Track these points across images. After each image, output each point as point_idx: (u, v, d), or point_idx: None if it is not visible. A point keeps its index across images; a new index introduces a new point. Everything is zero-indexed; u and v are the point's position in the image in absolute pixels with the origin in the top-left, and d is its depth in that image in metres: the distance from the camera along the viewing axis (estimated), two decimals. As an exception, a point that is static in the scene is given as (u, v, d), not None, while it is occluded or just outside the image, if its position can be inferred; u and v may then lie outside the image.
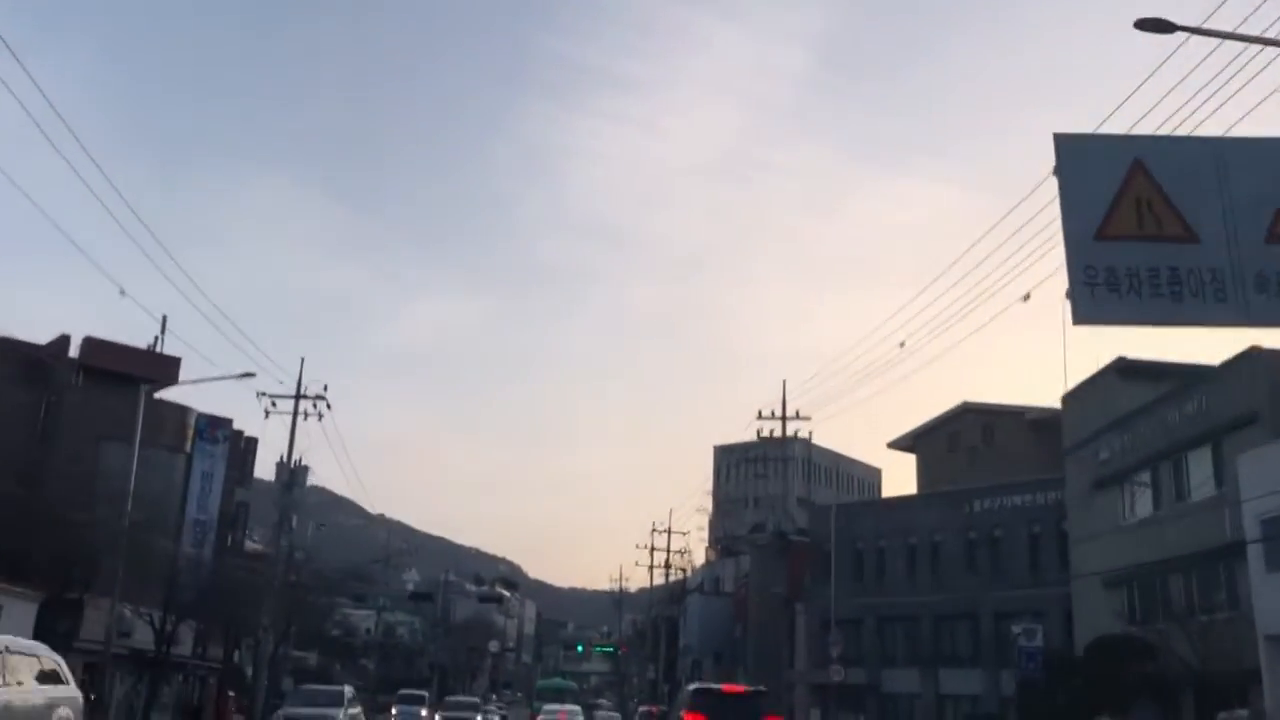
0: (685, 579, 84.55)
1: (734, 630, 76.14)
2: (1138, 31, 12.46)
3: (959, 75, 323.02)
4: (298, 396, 44.82)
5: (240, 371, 34.44)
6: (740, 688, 27.78)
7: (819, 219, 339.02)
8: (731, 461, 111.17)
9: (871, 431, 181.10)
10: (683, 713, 23.75)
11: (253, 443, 58.62)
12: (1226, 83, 13.40)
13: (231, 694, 40.39)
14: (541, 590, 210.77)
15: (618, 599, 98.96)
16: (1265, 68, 13.28)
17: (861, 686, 43.83)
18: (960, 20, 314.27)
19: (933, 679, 42.79)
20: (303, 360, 45.60)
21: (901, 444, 59.13)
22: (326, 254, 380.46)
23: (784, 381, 47.74)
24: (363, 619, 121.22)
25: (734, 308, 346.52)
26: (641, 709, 65.16)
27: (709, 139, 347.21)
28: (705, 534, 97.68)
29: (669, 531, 68.95)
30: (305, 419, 44.87)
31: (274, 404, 44.80)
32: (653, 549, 71.27)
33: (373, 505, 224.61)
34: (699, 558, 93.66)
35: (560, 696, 51.92)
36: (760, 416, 47.73)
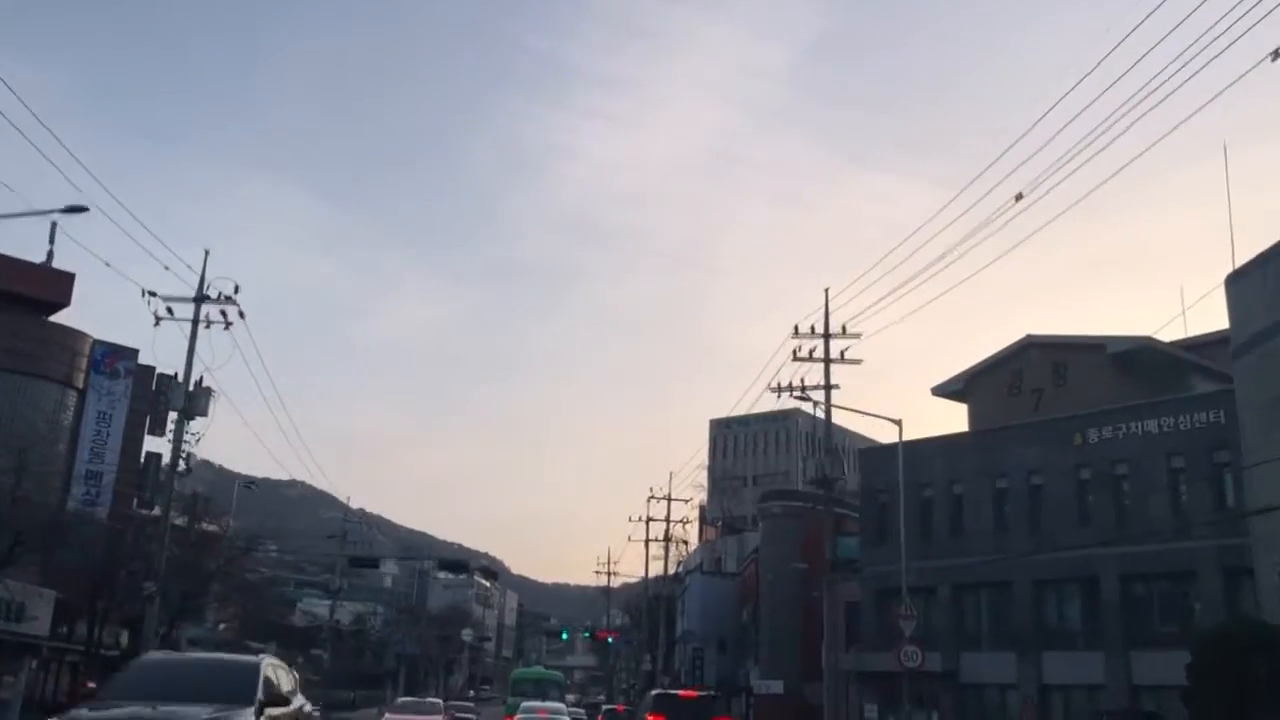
0: (681, 564, 73.16)
1: (741, 614, 64.78)
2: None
3: (942, 73, 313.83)
4: (199, 299, 33.04)
5: (66, 205, 22.48)
6: (694, 693, 31.09)
7: (802, 216, 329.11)
8: (729, 436, 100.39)
9: (903, 386, 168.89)
10: (646, 714, 26.83)
11: (168, 382, 46.83)
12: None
13: (92, 685, 28.73)
14: (525, 586, 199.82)
15: (605, 588, 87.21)
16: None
17: (933, 675, 32.47)
18: (943, 19, 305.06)
19: (1033, 665, 31.54)
20: (207, 253, 33.56)
21: (949, 389, 47.66)
22: (310, 251, 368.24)
23: (826, 290, 36.14)
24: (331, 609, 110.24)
25: (717, 304, 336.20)
26: (605, 707, 55.70)
27: (692, 136, 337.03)
28: (697, 512, 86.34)
29: (669, 499, 57.44)
30: (208, 327, 33.10)
31: (170, 310, 32.94)
32: (649, 520, 59.79)
33: (351, 499, 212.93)
34: (693, 537, 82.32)
35: (542, 690, 40.37)
36: (797, 334, 36.15)
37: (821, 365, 36.60)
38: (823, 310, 37.10)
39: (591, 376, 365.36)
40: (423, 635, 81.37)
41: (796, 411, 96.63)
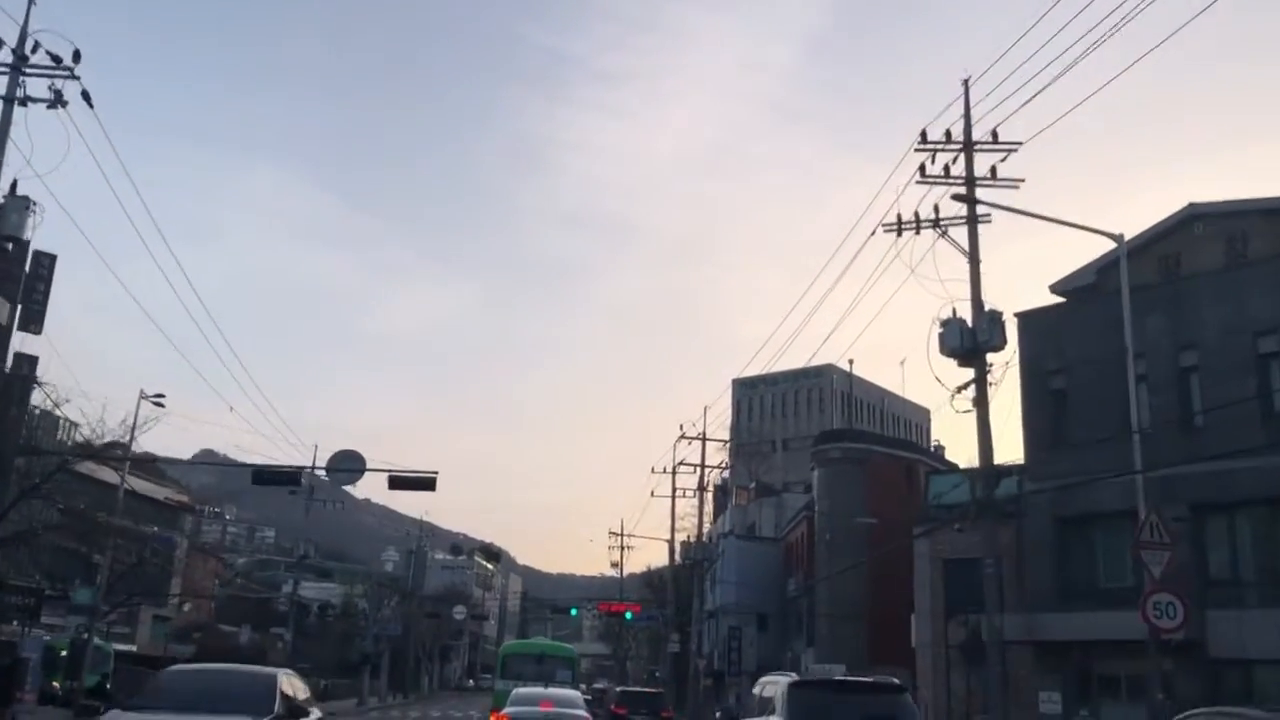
0: (705, 536, 60.07)
1: (786, 585, 51.88)
2: None
3: (948, 66, 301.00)
4: (16, 64, 20.40)
5: None
6: (652, 689, 36.91)
7: (807, 210, 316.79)
8: (753, 397, 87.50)
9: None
10: (611, 705, 31.69)
11: (47, 263, 33.92)
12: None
13: None
14: (529, 576, 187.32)
15: (619, 560, 74.02)
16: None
17: (1163, 646, 19.30)
18: (946, 13, 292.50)
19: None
20: (31, 2, 20.82)
21: (1076, 285, 34.31)
22: (317, 244, 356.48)
23: (965, 81, 22.73)
24: (323, 593, 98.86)
25: (723, 298, 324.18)
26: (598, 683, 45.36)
27: (698, 131, 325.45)
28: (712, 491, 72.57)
29: (703, 439, 44.35)
30: (26, 106, 20.43)
31: (-33, 82, 20.33)
32: (675, 470, 46.78)
33: (358, 490, 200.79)
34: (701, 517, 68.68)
35: (545, 670, 26.66)
36: (924, 144, 23.02)
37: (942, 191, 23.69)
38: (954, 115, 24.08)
39: (596, 368, 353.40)
40: (411, 614, 68.48)
41: (830, 368, 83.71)
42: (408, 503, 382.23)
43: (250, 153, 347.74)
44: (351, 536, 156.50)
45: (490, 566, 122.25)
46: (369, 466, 22.56)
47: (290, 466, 22.13)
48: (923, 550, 36.28)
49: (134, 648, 66.23)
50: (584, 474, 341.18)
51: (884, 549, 37.99)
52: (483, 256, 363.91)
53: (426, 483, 22.63)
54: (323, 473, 22.27)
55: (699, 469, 44.60)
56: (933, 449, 48.23)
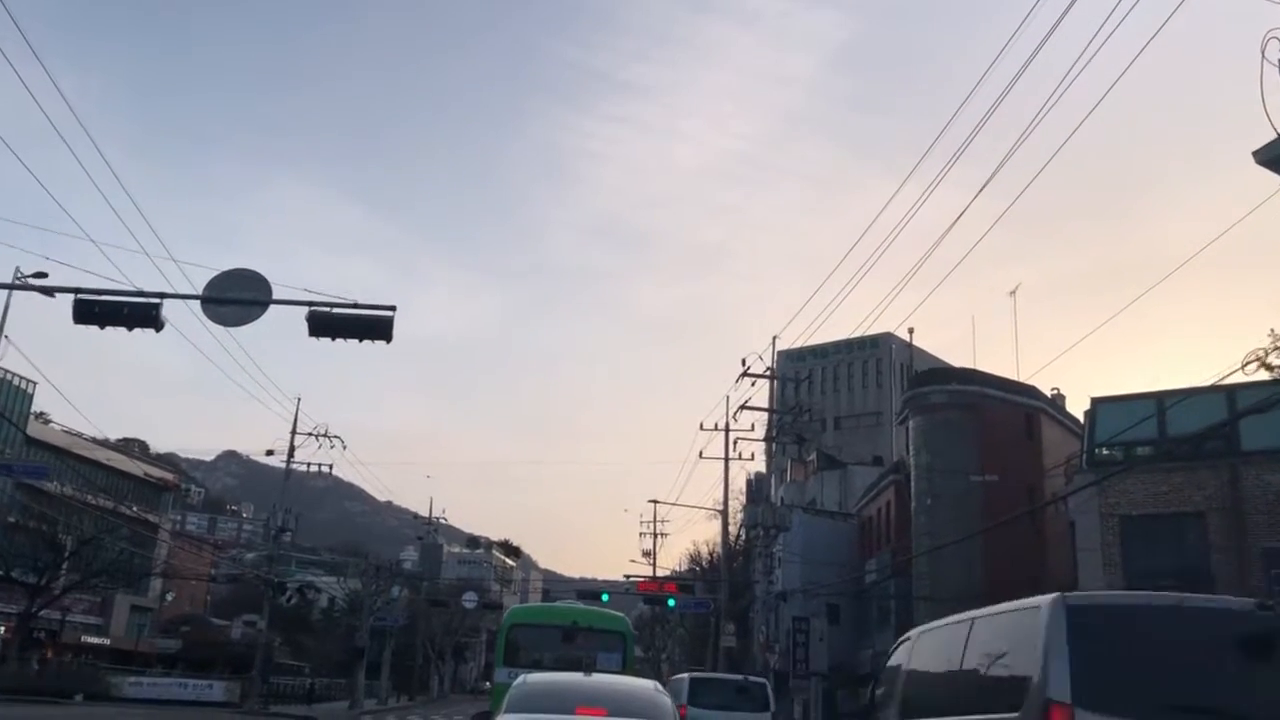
0: (742, 527, 49.77)
1: (863, 568, 41.24)
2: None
3: (968, 79, 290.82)
4: None
5: None
6: None
7: (826, 220, 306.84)
8: (801, 371, 76.92)
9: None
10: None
11: None
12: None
13: None
14: (550, 579, 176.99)
15: (650, 552, 64.04)
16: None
17: None
18: (966, 25, 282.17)
19: None
20: None
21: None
22: (342, 251, 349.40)
23: None
24: (331, 588, 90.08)
25: (742, 306, 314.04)
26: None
27: (719, 142, 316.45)
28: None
29: (770, 376, 34.19)
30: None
31: None
32: (728, 428, 36.65)
33: (381, 492, 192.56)
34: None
35: (574, 648, 15.77)
36: None
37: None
38: None
39: (617, 375, 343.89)
40: (418, 605, 58.40)
41: (888, 337, 73.41)
42: (425, 505, 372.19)
43: (274, 160, 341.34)
44: (374, 538, 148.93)
45: (510, 562, 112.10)
46: (278, 297, 12.44)
47: (138, 293, 12.02)
48: (1088, 506, 26.03)
49: (106, 640, 56.82)
50: (604, 480, 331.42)
51: (1021, 509, 27.78)
52: (506, 264, 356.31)
53: (376, 325, 12.49)
54: (197, 304, 12.25)
55: (768, 411, 34.33)
56: (1051, 395, 37.65)
